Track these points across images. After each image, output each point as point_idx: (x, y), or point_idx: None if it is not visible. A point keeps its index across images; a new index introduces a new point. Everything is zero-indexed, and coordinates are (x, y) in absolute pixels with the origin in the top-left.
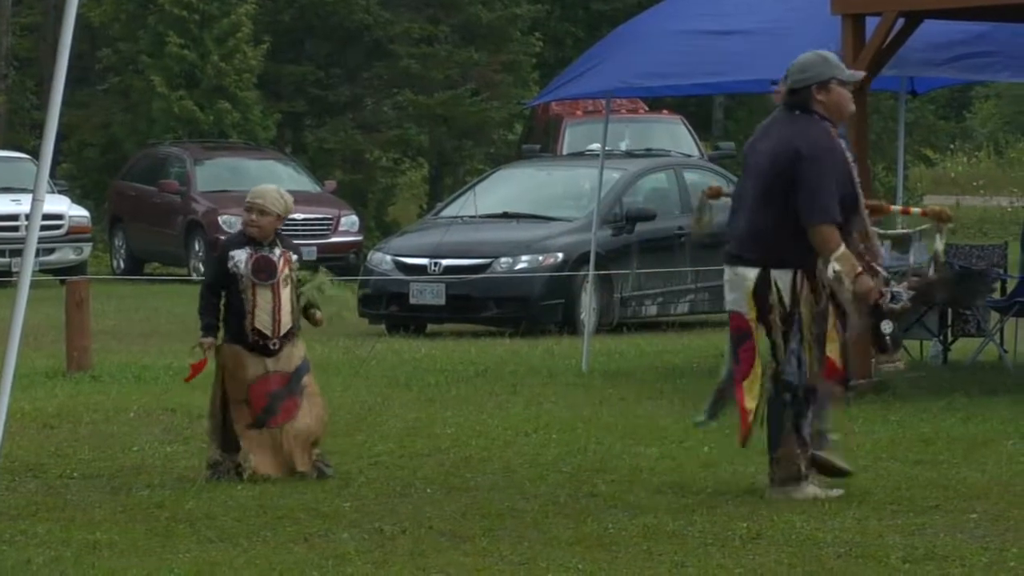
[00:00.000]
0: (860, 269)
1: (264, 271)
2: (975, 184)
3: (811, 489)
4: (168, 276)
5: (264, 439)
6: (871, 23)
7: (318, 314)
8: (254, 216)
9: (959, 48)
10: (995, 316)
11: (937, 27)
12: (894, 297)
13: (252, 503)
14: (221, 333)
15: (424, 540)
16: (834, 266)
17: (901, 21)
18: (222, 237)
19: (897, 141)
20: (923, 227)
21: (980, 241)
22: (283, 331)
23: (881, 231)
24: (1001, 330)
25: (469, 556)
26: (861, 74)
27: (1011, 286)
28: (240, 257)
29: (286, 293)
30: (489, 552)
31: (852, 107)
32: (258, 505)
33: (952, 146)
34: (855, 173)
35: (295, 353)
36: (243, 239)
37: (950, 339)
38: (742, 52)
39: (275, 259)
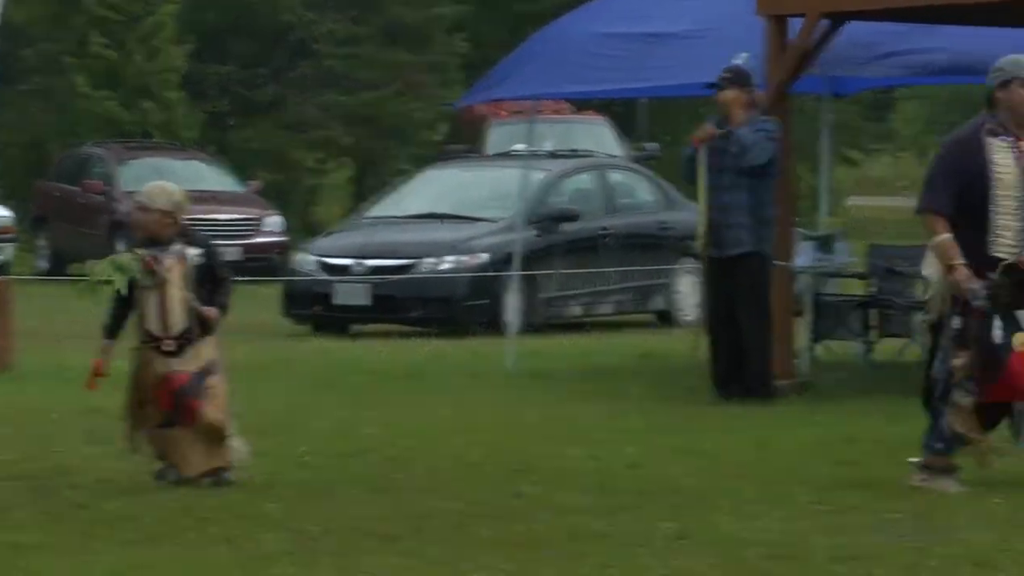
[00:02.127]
0: (956, 262)
1: (149, 272)
2: (898, 185)
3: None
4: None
5: (170, 439)
6: (795, 24)
7: (206, 311)
8: (139, 214)
9: (883, 49)
10: (918, 316)
11: (861, 28)
12: (976, 295)
13: (175, 504)
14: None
15: (349, 541)
16: (928, 254)
17: (825, 22)
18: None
19: (820, 142)
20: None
21: (904, 242)
22: (173, 332)
23: (804, 231)
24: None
25: (395, 557)
26: None
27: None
28: None
29: (175, 293)
30: (415, 553)
31: None
32: (181, 506)
33: (875, 147)
34: (996, 167)
35: (201, 354)
36: (147, 240)
37: (874, 339)
38: (667, 56)
39: (163, 259)
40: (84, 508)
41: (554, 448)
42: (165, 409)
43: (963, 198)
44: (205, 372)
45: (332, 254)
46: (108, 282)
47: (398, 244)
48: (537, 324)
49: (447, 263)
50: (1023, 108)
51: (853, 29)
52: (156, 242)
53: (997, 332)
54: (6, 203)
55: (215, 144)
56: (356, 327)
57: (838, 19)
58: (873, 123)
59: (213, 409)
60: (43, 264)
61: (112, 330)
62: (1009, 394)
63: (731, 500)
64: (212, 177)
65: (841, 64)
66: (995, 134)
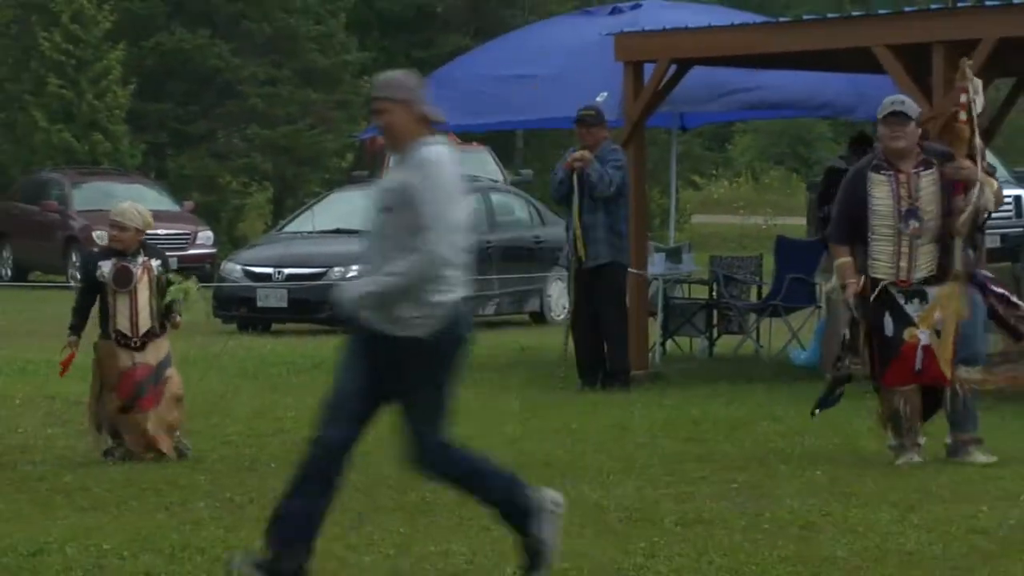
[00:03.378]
0: (846, 281)
1: (122, 280)
2: (735, 205)
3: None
4: (49, 283)
5: (131, 422)
6: (648, 69)
7: (177, 318)
8: (116, 232)
9: (722, 89)
10: (752, 316)
11: (704, 72)
12: (855, 310)
13: (121, 477)
14: (95, 331)
15: (269, 508)
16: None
17: (673, 67)
18: (95, 249)
19: (670, 169)
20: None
21: (740, 253)
22: (142, 331)
23: (656, 244)
24: (757, 328)
25: None
26: (897, 107)
27: (766, 291)
28: (106, 267)
29: (144, 298)
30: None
31: (895, 143)
32: (126, 479)
33: (715, 173)
34: (874, 200)
35: (160, 349)
36: (110, 251)
37: (715, 336)
38: (539, 94)
39: (134, 268)
40: (43, 480)
41: None
42: (124, 397)
43: (857, 227)
44: (163, 365)
45: (255, 263)
46: (186, 293)
47: (311, 255)
48: None
49: (353, 271)
50: (886, 143)
51: (697, 72)
52: (123, 254)
53: (888, 327)
54: None
55: (155, 170)
56: (275, 326)
57: (684, 64)
58: (714, 152)
59: (169, 402)
60: (6, 272)
61: (79, 328)
62: (903, 378)
63: (594, 472)
64: (152, 198)
65: (687, 102)
66: (879, 169)
